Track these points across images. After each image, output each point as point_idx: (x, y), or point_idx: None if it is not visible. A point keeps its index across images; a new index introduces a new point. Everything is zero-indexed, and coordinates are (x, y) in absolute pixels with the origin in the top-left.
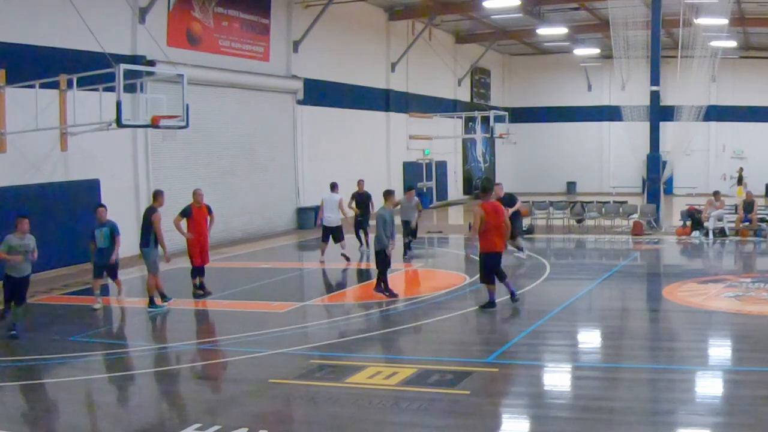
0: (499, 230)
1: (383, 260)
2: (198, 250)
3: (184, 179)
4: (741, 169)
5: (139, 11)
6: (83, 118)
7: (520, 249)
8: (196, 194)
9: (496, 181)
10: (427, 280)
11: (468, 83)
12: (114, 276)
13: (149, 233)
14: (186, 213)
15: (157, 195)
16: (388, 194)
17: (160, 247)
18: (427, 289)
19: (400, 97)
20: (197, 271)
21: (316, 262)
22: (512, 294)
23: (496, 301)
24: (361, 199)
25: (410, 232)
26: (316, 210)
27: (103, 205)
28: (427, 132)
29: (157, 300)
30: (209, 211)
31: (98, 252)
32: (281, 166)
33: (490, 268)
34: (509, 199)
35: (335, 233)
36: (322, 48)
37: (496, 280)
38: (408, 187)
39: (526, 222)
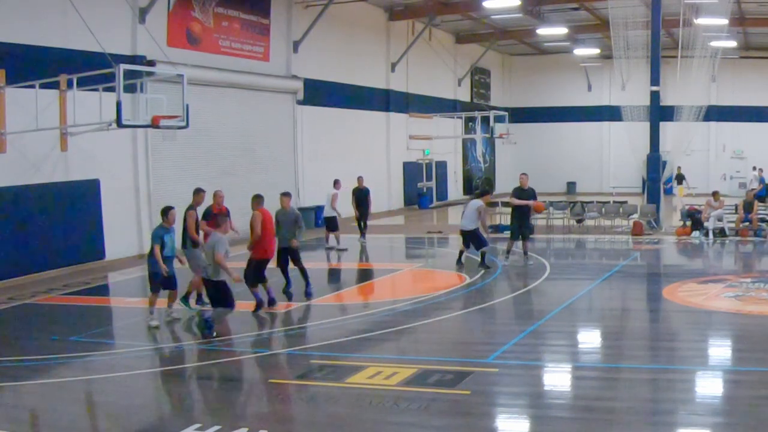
0: (273, 238)
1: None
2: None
3: (184, 179)
4: (679, 168)
5: (139, 11)
6: (83, 118)
7: (525, 253)
8: (217, 196)
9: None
10: (427, 280)
11: (468, 83)
12: (175, 285)
13: (186, 233)
14: (206, 215)
15: (194, 193)
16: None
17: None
18: (427, 289)
19: (400, 97)
20: None
21: (316, 262)
22: (271, 300)
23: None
24: (360, 195)
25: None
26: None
27: (174, 208)
28: (427, 132)
29: (192, 302)
30: (228, 213)
31: (164, 261)
32: (281, 166)
33: (257, 273)
34: (532, 194)
35: (327, 223)
36: (322, 48)
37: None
38: (484, 191)
39: None
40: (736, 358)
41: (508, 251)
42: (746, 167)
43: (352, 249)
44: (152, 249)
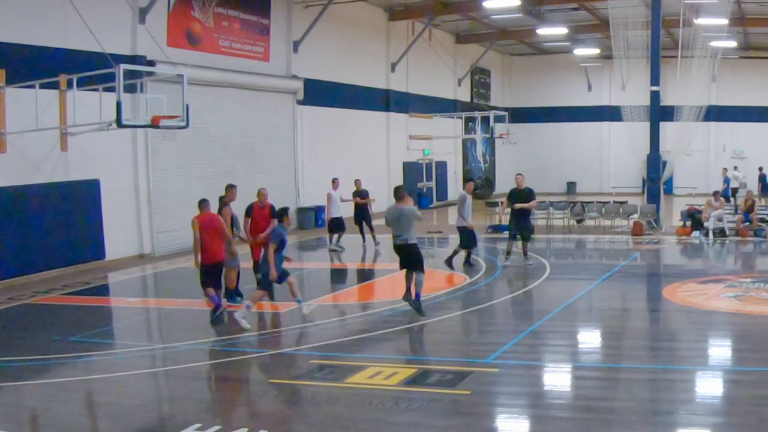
0: (219, 240)
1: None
2: (258, 250)
3: (184, 179)
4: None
5: (139, 11)
6: (83, 118)
7: (525, 254)
8: (260, 194)
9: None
10: (427, 280)
11: (468, 83)
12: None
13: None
14: (248, 212)
15: (227, 189)
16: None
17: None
18: (427, 289)
19: (400, 97)
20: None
21: (316, 262)
22: (217, 307)
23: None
24: (361, 197)
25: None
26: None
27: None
28: (427, 132)
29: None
30: (272, 212)
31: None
32: (281, 166)
33: (210, 278)
34: (529, 193)
35: (330, 225)
36: (322, 48)
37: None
38: (468, 179)
39: None
40: (736, 358)
41: (509, 252)
42: (746, 167)
43: (355, 250)
44: (268, 249)
